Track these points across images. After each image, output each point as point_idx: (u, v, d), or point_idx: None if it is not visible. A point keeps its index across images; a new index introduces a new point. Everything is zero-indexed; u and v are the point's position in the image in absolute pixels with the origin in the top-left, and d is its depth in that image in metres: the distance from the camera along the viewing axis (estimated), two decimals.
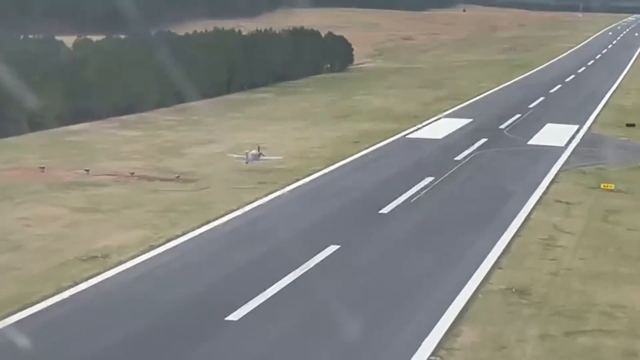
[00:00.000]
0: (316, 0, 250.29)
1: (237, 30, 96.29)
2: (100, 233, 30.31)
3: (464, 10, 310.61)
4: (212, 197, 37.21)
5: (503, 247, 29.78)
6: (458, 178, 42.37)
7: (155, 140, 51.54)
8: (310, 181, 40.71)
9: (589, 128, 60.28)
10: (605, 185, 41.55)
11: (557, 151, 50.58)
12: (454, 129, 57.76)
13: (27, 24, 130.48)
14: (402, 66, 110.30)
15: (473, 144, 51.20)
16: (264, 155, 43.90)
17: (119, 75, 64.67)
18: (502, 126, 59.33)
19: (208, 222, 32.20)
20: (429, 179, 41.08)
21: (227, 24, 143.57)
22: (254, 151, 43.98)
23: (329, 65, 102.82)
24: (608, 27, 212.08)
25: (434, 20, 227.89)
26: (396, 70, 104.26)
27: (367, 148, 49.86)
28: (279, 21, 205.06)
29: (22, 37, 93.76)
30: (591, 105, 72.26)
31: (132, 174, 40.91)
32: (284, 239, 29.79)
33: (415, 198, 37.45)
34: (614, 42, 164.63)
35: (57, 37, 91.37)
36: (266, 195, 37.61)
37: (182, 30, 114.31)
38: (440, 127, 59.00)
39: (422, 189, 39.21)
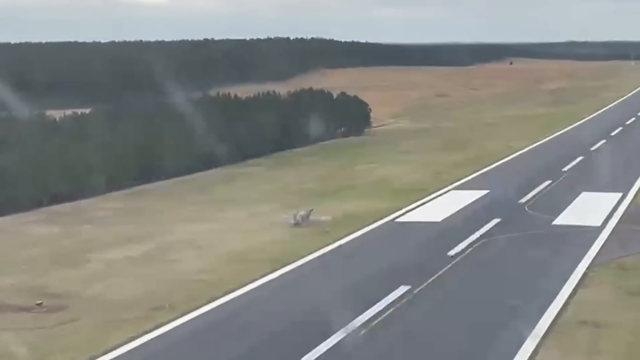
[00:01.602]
0: (360, 60, 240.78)
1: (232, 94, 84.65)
2: None
3: (511, 64, 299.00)
4: (68, 339, 25.18)
5: None
6: (444, 288, 30.03)
7: (64, 241, 39.79)
8: (221, 306, 28.51)
9: (636, 196, 47.59)
10: None
11: (590, 233, 38.11)
12: (460, 207, 45.40)
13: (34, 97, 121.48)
14: (428, 126, 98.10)
15: (479, 229, 38.86)
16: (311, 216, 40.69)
17: (61, 155, 53.11)
18: (524, 199, 46.91)
19: None
20: (401, 290, 28.82)
21: (252, 90, 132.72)
22: (303, 212, 40.79)
23: (343, 129, 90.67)
24: None
25: (476, 75, 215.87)
26: (419, 131, 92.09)
27: (336, 241, 37.54)
28: (310, 83, 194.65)
29: None
30: (638, 165, 59.49)
31: None
32: None
33: (366, 330, 25.12)
34: None
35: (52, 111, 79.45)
36: (146, 333, 25.48)
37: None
38: (445, 204, 46.70)
39: (383, 310, 26.91)
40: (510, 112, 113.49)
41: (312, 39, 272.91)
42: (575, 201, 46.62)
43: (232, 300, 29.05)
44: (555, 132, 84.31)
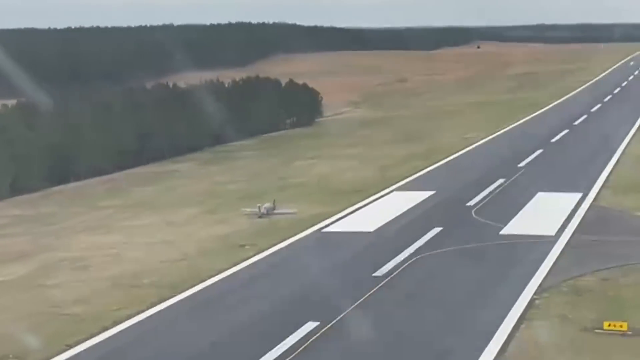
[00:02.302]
0: (324, 45, 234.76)
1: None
2: None
3: (478, 47, 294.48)
4: None
5: None
6: (361, 325, 24.64)
7: None
8: (84, 354, 23.18)
9: (597, 197, 42.62)
10: (612, 324, 23.91)
11: (543, 246, 33.08)
12: (400, 212, 40.19)
13: None
14: (384, 115, 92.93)
15: (415, 242, 33.70)
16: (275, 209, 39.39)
17: None
18: (472, 202, 41.76)
19: None
20: (306, 328, 23.56)
21: (213, 76, 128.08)
22: (268, 204, 39.67)
23: (292, 120, 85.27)
24: (629, 57, 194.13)
25: (442, 59, 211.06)
26: (373, 121, 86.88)
27: (248, 258, 32.24)
28: (270, 69, 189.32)
29: None
30: (603, 158, 54.66)
31: None
32: None
33: None
34: (636, 72, 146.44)
35: None
36: None
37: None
38: (384, 209, 41.49)
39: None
40: (472, 99, 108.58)
41: (274, 23, 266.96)
42: (529, 204, 41.52)
43: (97, 345, 23.65)
44: (516, 121, 79.30)
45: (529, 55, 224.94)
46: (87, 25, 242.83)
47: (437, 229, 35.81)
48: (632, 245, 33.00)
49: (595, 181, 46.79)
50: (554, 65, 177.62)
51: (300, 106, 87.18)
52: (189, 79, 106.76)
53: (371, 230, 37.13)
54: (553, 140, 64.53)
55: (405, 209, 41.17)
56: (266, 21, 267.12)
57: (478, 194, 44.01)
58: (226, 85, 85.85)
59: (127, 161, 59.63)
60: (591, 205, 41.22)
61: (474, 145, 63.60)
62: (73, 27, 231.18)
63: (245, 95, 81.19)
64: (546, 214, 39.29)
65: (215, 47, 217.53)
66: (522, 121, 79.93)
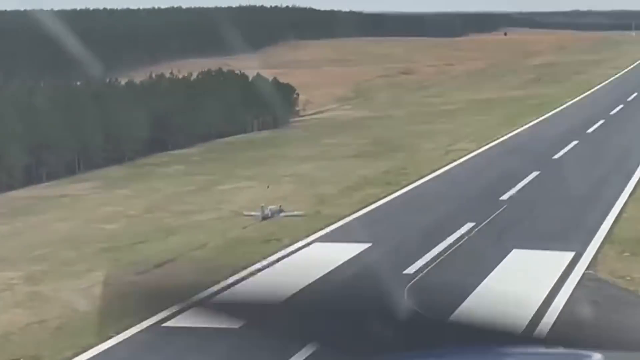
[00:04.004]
0: (339, 31, 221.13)
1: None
2: None
3: (505, 34, 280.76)
4: None
5: None
6: None
7: None
8: None
9: (596, 259, 29.45)
10: None
11: None
12: (299, 286, 27.32)
13: None
14: (370, 115, 79.95)
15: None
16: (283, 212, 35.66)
17: None
18: (414, 266, 28.89)
19: None
20: None
21: (213, 63, 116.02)
22: (273, 206, 36.10)
23: (258, 121, 72.30)
24: None
25: (462, 47, 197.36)
26: (353, 123, 73.91)
27: None
28: (277, 56, 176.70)
29: None
30: (615, 187, 41.44)
31: None
32: None
33: None
34: None
35: None
36: None
37: (139, 75, 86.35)
38: (280, 279, 28.77)
39: None
40: (478, 95, 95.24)
41: (288, 7, 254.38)
42: (495, 273, 28.38)
43: None
44: (519, 126, 66.07)
45: (555, 43, 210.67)
46: (92, 6, 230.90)
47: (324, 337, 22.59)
48: None
49: (598, 228, 33.56)
50: (578, 55, 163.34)
51: (270, 105, 73.98)
52: (179, 67, 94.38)
53: (236, 326, 23.97)
54: (556, 156, 51.33)
55: (309, 280, 28.32)
56: (279, 4, 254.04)
57: (429, 250, 31.08)
58: (180, 79, 72.70)
59: (13, 181, 46.83)
60: (584, 275, 28.01)
61: (455, 163, 50.56)
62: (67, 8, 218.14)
63: (201, 93, 68.09)
64: (517, 295, 26.28)
65: (223, 32, 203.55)
66: (526, 126, 66.73)
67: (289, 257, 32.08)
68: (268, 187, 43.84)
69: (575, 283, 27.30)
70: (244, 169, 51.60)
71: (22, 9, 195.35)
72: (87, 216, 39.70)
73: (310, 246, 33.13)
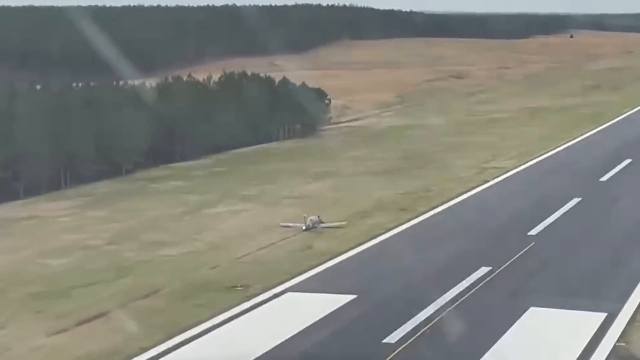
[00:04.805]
0: (401, 30, 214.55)
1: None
2: None
3: (571, 37, 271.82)
4: None
5: None
6: None
7: None
8: None
9: (631, 326, 22.98)
10: None
11: None
12: (256, 354, 21.29)
13: None
14: (409, 123, 73.86)
15: None
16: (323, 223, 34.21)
17: None
18: (399, 332, 22.84)
19: None
20: None
21: (260, 63, 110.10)
22: (314, 217, 34.54)
23: (285, 129, 66.51)
24: None
25: (523, 49, 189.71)
26: (387, 133, 68.14)
27: None
28: (328, 56, 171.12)
29: None
30: None
31: None
32: None
33: None
34: None
35: None
36: None
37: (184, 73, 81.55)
38: (244, 336, 22.71)
39: None
40: (531, 102, 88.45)
41: (345, 6, 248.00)
42: (504, 339, 22.26)
43: None
44: (568, 141, 59.59)
45: (622, 47, 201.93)
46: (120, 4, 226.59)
47: None
48: None
49: (638, 282, 27.20)
50: None
51: (299, 112, 67.89)
52: (224, 67, 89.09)
53: None
54: (603, 178, 44.63)
55: (267, 347, 22.27)
56: (336, 3, 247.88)
57: (425, 307, 25.07)
58: (201, 84, 66.91)
59: None
60: (614, 348, 21.75)
61: (486, 185, 44.26)
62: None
63: (220, 99, 62.33)
64: None
65: (276, 31, 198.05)
66: (575, 140, 60.15)
67: (260, 308, 26.28)
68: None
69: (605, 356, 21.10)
70: (247, 186, 45.81)
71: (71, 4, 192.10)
72: (40, 247, 34.09)
73: (283, 296, 27.17)
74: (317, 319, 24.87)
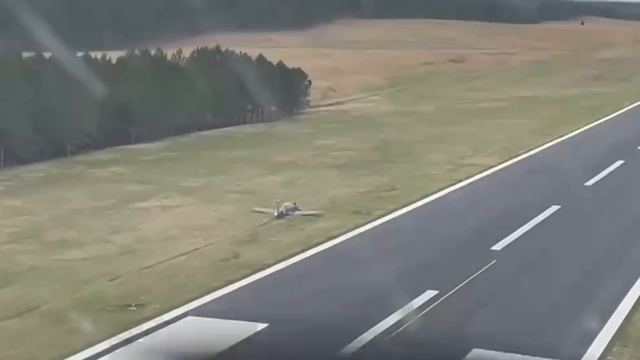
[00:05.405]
0: (409, 10, 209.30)
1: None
2: None
3: (582, 23, 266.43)
4: None
5: None
6: None
7: None
8: None
9: None
10: None
11: None
12: None
13: None
14: (393, 109, 69.34)
15: None
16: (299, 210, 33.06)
17: None
18: None
19: None
20: None
21: (255, 39, 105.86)
22: (288, 203, 33.28)
23: (255, 110, 62.04)
24: None
25: (531, 35, 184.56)
26: (366, 120, 63.67)
27: None
28: (328, 34, 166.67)
29: None
30: None
31: None
32: None
33: None
34: None
35: None
36: None
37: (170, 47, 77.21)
38: None
39: None
40: (528, 91, 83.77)
41: None
42: None
43: None
44: (558, 136, 54.90)
45: (633, 35, 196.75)
46: None
47: None
48: None
49: (609, 316, 22.67)
50: None
51: (272, 93, 63.28)
52: (214, 41, 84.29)
53: None
54: (588, 183, 40.10)
55: None
56: None
57: (344, 345, 20.37)
58: (167, 60, 62.24)
59: None
60: None
61: (457, 185, 39.86)
62: None
63: (187, 77, 57.76)
64: None
65: (280, 6, 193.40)
66: (566, 137, 55.54)
67: (150, 336, 21.84)
68: None
69: None
70: (193, 176, 41.38)
71: None
72: None
73: (181, 321, 22.68)
74: (216, 351, 20.40)
